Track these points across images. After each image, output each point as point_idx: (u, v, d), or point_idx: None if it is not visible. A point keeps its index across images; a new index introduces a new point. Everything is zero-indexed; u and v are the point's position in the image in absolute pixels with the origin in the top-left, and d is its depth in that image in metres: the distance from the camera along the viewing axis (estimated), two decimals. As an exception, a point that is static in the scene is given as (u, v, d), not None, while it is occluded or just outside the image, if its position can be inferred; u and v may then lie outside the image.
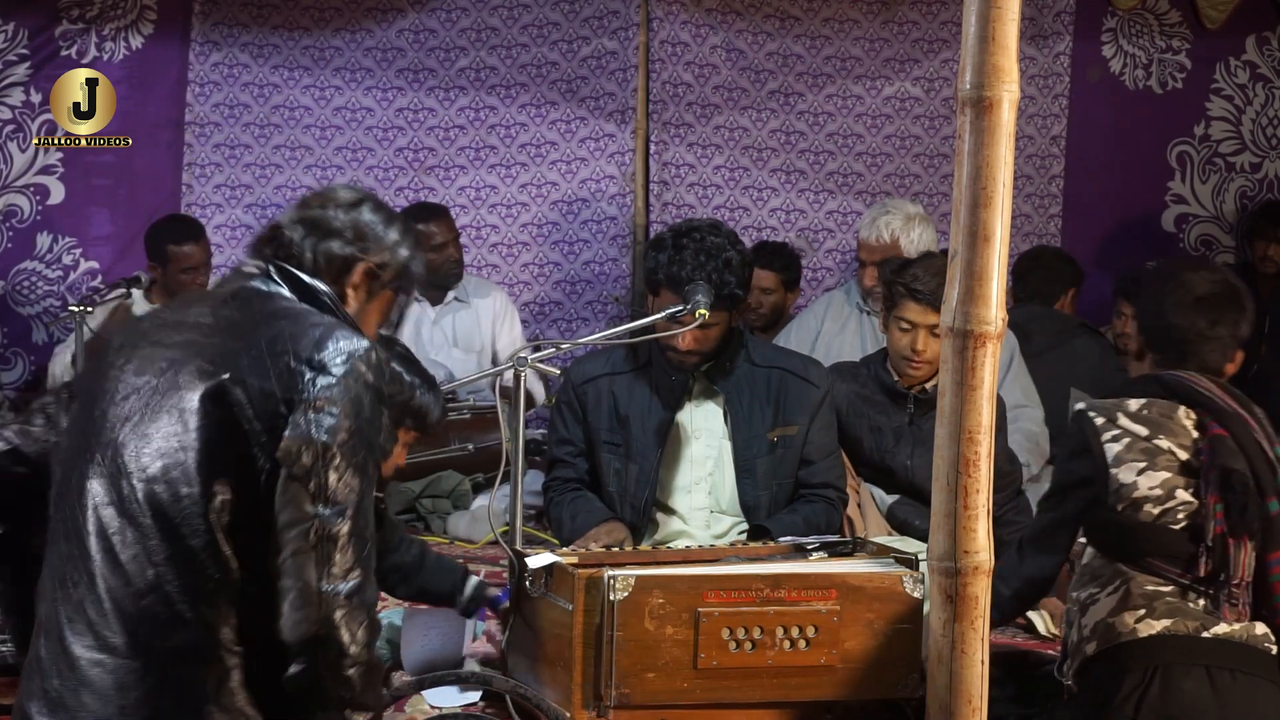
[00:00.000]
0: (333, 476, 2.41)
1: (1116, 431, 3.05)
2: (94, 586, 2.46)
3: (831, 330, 5.47)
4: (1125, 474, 3.02)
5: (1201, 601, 3.00)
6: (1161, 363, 3.18)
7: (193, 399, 2.47)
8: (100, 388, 2.57)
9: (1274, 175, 6.84)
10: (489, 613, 3.64)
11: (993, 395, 1.92)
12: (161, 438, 2.47)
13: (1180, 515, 3.01)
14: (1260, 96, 6.80)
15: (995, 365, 1.92)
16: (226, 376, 2.47)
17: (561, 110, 6.58)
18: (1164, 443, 3.03)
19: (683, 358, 4.07)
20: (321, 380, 2.46)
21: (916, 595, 3.22)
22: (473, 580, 3.62)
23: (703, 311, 3.87)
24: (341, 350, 2.49)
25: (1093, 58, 6.75)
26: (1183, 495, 3.01)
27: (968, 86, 1.89)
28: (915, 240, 5.23)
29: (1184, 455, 3.03)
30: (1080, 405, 3.16)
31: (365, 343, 2.53)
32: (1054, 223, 6.81)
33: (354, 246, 2.70)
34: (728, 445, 4.12)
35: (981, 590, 1.93)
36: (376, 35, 6.54)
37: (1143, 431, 3.03)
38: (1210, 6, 6.63)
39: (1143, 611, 2.99)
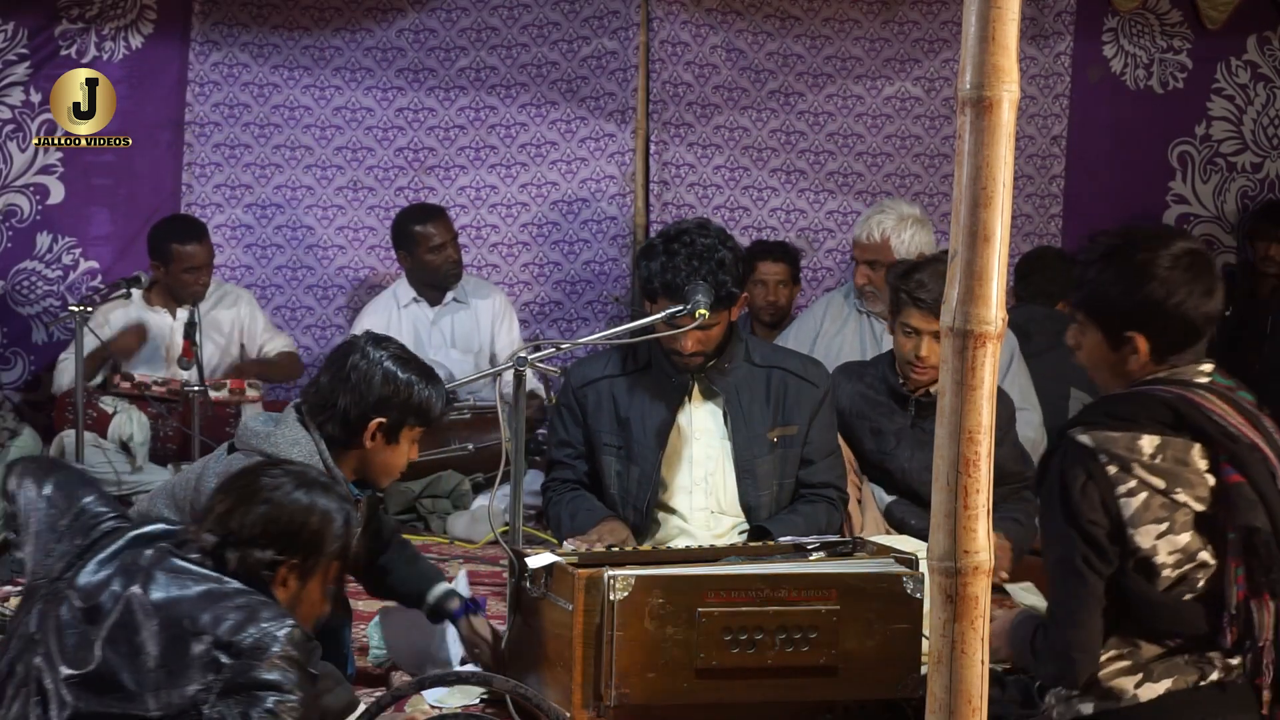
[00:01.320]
0: None
1: (1133, 484, 2.73)
2: None
3: (830, 331, 5.47)
4: (1143, 537, 2.74)
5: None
6: (1164, 353, 2.82)
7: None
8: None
9: (1275, 175, 6.84)
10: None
11: (993, 395, 1.92)
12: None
13: (1199, 580, 2.77)
14: (1261, 96, 6.80)
15: (995, 365, 1.92)
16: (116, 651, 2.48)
17: (561, 110, 6.58)
18: (1181, 496, 2.75)
19: (687, 360, 4.07)
20: (239, 665, 2.44)
21: (917, 595, 3.22)
22: (438, 589, 3.60)
23: (703, 312, 3.86)
24: (265, 633, 2.47)
25: (1093, 58, 6.75)
26: (1202, 557, 2.76)
27: (968, 86, 1.89)
28: (906, 241, 5.21)
29: (1199, 507, 2.76)
30: (1085, 440, 2.74)
31: (289, 622, 2.50)
32: (1054, 223, 6.81)
33: (272, 550, 2.62)
34: (728, 446, 4.12)
35: (981, 590, 1.92)
36: (376, 35, 6.54)
37: (1160, 484, 2.73)
38: (1211, 7, 6.63)
39: (1140, 675, 2.81)
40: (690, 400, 4.15)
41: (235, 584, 2.56)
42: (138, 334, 5.86)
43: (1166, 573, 2.75)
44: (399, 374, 3.37)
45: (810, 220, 6.72)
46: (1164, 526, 2.73)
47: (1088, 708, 2.84)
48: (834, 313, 5.51)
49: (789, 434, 4.12)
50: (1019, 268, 6.25)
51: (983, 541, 1.92)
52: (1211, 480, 2.76)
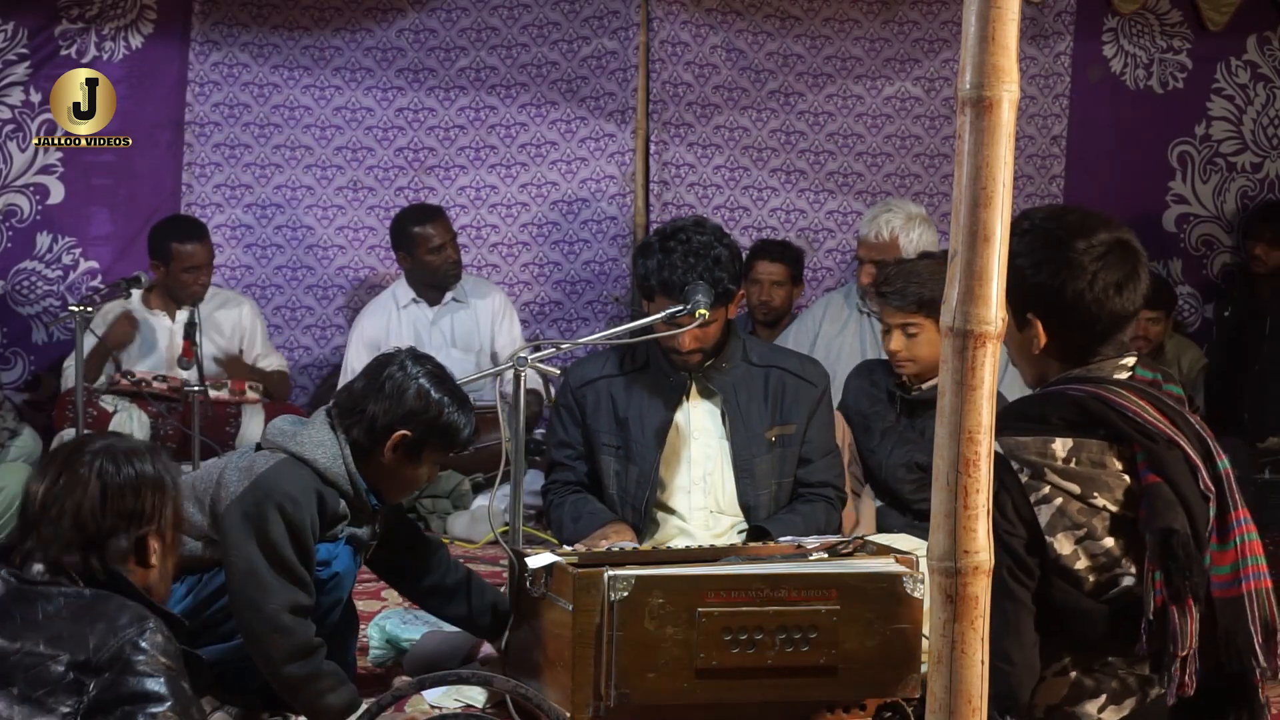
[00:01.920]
0: None
1: (1045, 490, 2.61)
2: None
3: (830, 331, 5.48)
4: (1062, 544, 2.61)
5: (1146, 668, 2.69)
6: (1071, 353, 2.70)
7: None
8: None
9: (1275, 175, 6.84)
10: None
11: (993, 395, 1.92)
12: None
13: (1123, 583, 2.65)
14: (1261, 96, 6.80)
15: (995, 365, 1.92)
16: None
17: (561, 110, 6.58)
18: (1099, 500, 2.62)
19: (686, 358, 4.08)
20: (104, 681, 2.36)
21: (916, 595, 3.22)
22: (362, 708, 3.58)
23: (703, 311, 3.87)
24: (125, 641, 2.39)
25: (1093, 58, 6.75)
26: (1124, 564, 2.64)
27: (968, 86, 1.89)
28: (915, 240, 5.23)
29: (1117, 509, 2.63)
30: (995, 447, 2.43)
31: (148, 625, 2.42)
32: (1054, 223, 6.81)
33: (123, 532, 2.54)
34: (726, 445, 4.12)
35: (981, 590, 1.93)
36: (376, 35, 6.55)
37: (1075, 489, 2.61)
38: (1213, 9, 6.63)
39: (1104, 698, 2.69)
40: (688, 400, 4.16)
41: (89, 592, 2.48)
42: (129, 322, 5.85)
43: (1092, 578, 2.63)
44: (432, 392, 3.34)
45: (810, 220, 6.73)
46: (1081, 532, 2.62)
47: None
48: (834, 313, 5.52)
49: (787, 433, 4.13)
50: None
51: (983, 541, 1.92)
52: (1129, 481, 2.65)
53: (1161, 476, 2.63)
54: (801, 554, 3.51)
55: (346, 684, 3.30)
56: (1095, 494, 2.62)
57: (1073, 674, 2.70)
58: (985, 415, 1.89)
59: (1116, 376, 2.72)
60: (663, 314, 3.95)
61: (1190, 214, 6.86)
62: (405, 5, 6.53)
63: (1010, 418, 2.68)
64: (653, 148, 6.55)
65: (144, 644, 2.39)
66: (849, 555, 3.47)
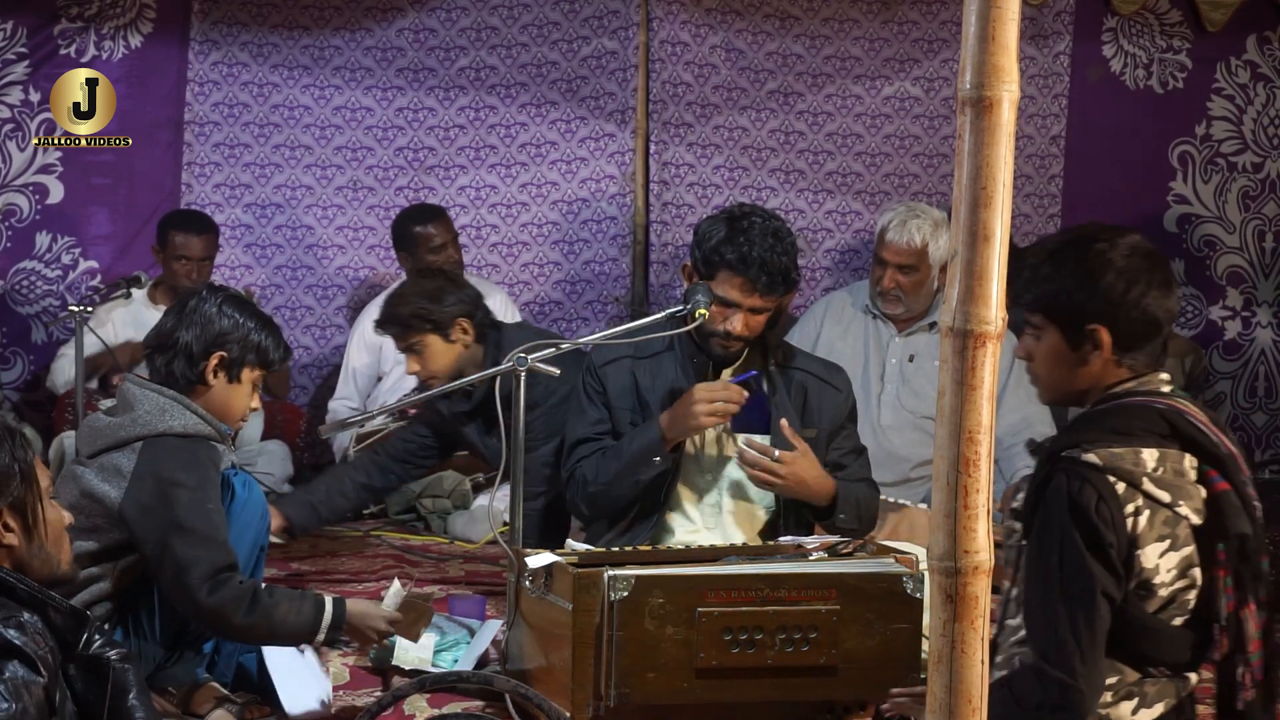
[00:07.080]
0: None
1: (1139, 502, 2.65)
2: None
3: (833, 333, 5.42)
4: (1147, 557, 2.65)
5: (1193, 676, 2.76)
6: (1133, 364, 2.75)
7: None
8: None
9: (1276, 175, 6.84)
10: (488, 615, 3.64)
11: (993, 395, 1.92)
12: None
13: (1189, 600, 2.71)
14: (1261, 96, 6.80)
15: (995, 365, 1.92)
16: None
17: (561, 110, 6.58)
18: (1183, 509, 2.68)
19: (728, 343, 3.97)
20: None
21: (917, 595, 3.23)
22: (329, 608, 3.40)
23: (702, 311, 3.85)
24: None
25: (1093, 58, 6.75)
26: (1193, 574, 2.70)
27: (968, 86, 1.89)
28: (941, 247, 5.20)
29: (1196, 520, 2.69)
30: (1092, 459, 2.64)
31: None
32: (1053, 223, 6.81)
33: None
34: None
35: (981, 590, 1.93)
36: (376, 35, 6.55)
37: (1165, 498, 2.66)
38: (1211, 9, 6.63)
39: (1136, 700, 2.74)
40: None
41: None
42: (135, 348, 5.88)
43: (1161, 593, 2.68)
44: (237, 315, 3.51)
45: (809, 220, 6.73)
46: (1165, 545, 2.67)
47: None
48: (836, 314, 5.47)
49: (809, 436, 4.05)
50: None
51: (983, 541, 1.92)
52: (1203, 490, 2.71)
53: (1230, 483, 2.71)
54: (801, 554, 3.51)
55: (301, 597, 3.33)
56: (1180, 502, 2.68)
57: (1112, 689, 2.72)
58: (985, 415, 1.89)
59: (1163, 390, 2.78)
60: (663, 314, 3.93)
61: (1192, 214, 6.86)
62: (405, 5, 6.53)
63: (1098, 431, 2.71)
64: (653, 148, 6.55)
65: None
66: (849, 555, 3.47)
